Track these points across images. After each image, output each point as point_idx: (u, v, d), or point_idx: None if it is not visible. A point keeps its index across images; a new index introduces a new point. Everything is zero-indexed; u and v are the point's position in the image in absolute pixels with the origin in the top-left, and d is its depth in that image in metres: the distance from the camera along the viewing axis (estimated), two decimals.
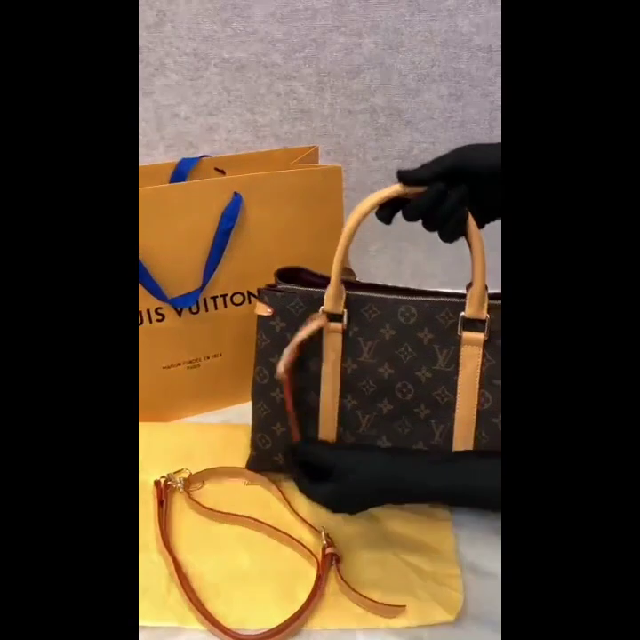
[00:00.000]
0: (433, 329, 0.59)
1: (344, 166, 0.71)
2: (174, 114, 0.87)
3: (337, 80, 0.85)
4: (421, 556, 0.59)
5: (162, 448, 0.71)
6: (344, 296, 0.59)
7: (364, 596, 0.54)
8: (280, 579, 0.57)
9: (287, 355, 0.58)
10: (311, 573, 0.57)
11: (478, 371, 0.58)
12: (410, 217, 0.54)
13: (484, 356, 0.58)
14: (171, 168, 0.73)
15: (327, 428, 0.62)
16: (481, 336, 0.57)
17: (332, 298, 0.59)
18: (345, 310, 0.59)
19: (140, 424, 0.68)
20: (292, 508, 0.64)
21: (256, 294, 0.68)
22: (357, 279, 0.64)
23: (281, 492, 0.65)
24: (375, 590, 0.55)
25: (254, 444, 0.66)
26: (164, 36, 0.81)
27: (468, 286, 0.57)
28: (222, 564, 0.59)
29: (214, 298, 0.72)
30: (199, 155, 0.80)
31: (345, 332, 0.60)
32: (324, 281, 0.60)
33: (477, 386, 0.58)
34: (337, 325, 0.60)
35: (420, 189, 0.52)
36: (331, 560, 0.57)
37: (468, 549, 0.60)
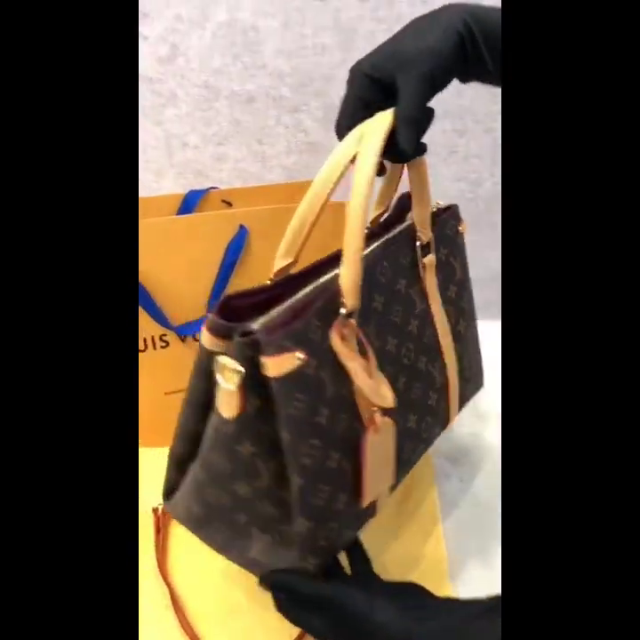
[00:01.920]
0: (401, 274, 0.51)
1: None
2: (184, 143, 0.88)
3: None
4: None
5: (162, 474, 0.71)
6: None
7: None
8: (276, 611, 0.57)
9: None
10: None
11: (438, 292, 0.55)
12: (415, 146, 0.43)
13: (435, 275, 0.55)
14: (179, 199, 0.75)
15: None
16: (433, 257, 0.54)
17: (353, 287, 0.42)
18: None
19: (141, 449, 0.68)
20: None
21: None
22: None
23: None
24: None
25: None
26: (176, 69, 0.83)
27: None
28: (219, 594, 0.59)
29: None
30: (208, 184, 0.81)
31: None
32: (274, 294, 0.44)
33: (442, 306, 0.56)
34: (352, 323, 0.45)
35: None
36: None
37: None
